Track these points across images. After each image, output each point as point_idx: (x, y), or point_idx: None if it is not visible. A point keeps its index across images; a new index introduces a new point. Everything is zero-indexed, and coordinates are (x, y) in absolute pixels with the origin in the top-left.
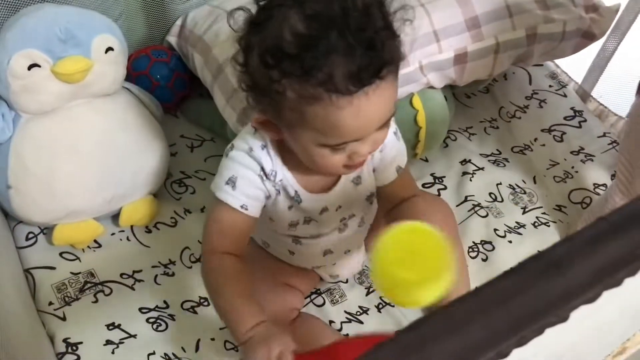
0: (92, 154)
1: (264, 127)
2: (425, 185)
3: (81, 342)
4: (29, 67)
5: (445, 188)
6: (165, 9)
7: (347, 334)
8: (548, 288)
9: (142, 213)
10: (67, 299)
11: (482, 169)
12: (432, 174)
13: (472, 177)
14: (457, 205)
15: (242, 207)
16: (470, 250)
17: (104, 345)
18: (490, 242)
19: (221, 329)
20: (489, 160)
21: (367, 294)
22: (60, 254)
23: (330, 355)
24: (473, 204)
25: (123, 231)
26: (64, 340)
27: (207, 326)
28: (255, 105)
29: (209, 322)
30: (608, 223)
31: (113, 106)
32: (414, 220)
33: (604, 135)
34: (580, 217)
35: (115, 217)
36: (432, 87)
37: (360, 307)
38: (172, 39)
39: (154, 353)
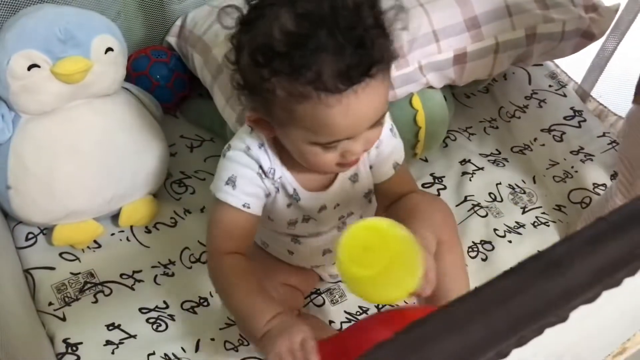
0: (91, 154)
1: (258, 125)
2: (425, 185)
3: (81, 343)
4: (29, 68)
5: (445, 188)
6: (163, 8)
7: None
8: (548, 288)
9: (142, 213)
10: (67, 299)
11: (482, 168)
12: (431, 174)
13: (472, 177)
14: (456, 205)
15: (244, 205)
16: (470, 250)
17: (104, 345)
18: (490, 242)
19: (221, 329)
20: (488, 160)
21: None
22: (60, 255)
23: (350, 340)
24: (473, 204)
25: (123, 231)
26: (64, 341)
27: (207, 326)
28: (247, 103)
29: (209, 322)
30: (608, 223)
31: (113, 106)
32: (376, 218)
33: (604, 135)
34: (579, 217)
35: (115, 217)
36: (431, 87)
37: (360, 307)
38: (171, 39)
39: (153, 353)
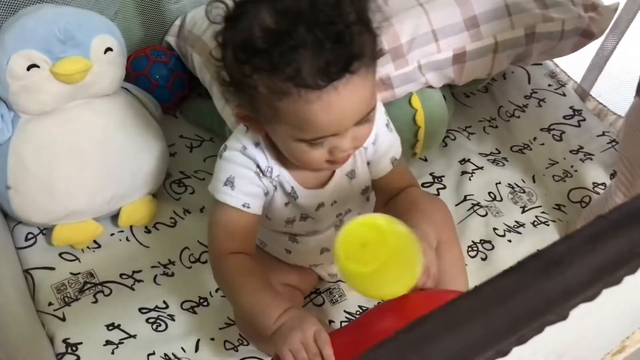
0: (91, 155)
1: (247, 122)
2: (425, 185)
3: (81, 343)
4: (28, 68)
5: (445, 187)
6: (160, 8)
7: None
8: (548, 286)
9: (142, 213)
10: (66, 299)
11: (482, 168)
12: (431, 174)
13: (472, 176)
14: (456, 205)
15: (243, 205)
16: (470, 249)
17: (104, 345)
18: (489, 242)
19: (221, 329)
20: (488, 160)
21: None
22: (60, 255)
23: (363, 330)
24: (472, 203)
25: (122, 231)
26: (64, 341)
27: (207, 326)
28: (233, 100)
29: (209, 322)
30: (608, 221)
31: (112, 106)
32: (373, 214)
33: (603, 134)
34: (579, 216)
35: (114, 217)
36: (431, 87)
37: (360, 306)
38: (171, 39)
39: (153, 353)
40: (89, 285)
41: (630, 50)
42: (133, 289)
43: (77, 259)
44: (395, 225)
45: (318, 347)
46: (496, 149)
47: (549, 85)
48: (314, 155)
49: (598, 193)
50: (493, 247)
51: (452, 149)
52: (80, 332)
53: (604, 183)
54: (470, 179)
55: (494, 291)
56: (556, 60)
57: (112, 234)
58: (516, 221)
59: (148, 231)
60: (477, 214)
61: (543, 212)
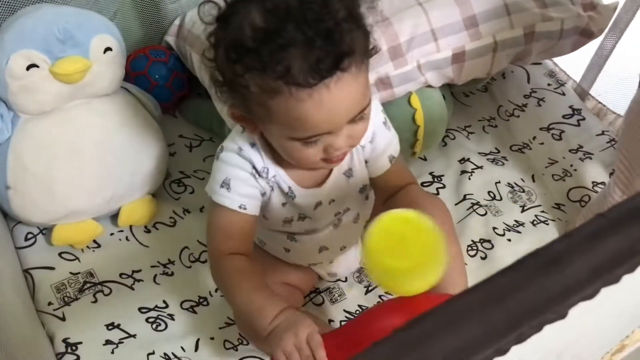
0: (91, 154)
1: (241, 122)
2: (424, 184)
3: (81, 342)
4: (28, 68)
5: (444, 187)
6: (158, 8)
7: None
8: (546, 285)
9: (141, 213)
10: (66, 299)
11: (481, 167)
12: (430, 173)
13: (471, 175)
14: (455, 204)
15: (240, 207)
16: (469, 248)
17: (104, 345)
18: (489, 241)
19: (220, 328)
20: (487, 159)
21: (367, 292)
22: (60, 254)
23: (356, 331)
24: (472, 203)
25: (122, 231)
26: (64, 341)
27: (207, 325)
28: (227, 100)
29: (209, 322)
30: (607, 219)
31: (112, 106)
32: (405, 209)
33: (603, 133)
34: (579, 215)
35: (114, 217)
36: (430, 86)
37: (359, 305)
38: (170, 38)
39: (153, 353)
40: (88, 285)
41: (630, 49)
42: (133, 289)
43: (77, 258)
44: (428, 222)
45: (311, 350)
46: (496, 149)
47: (549, 84)
48: (308, 153)
49: (597, 192)
50: (492, 247)
51: (451, 148)
52: (80, 331)
53: (604, 182)
54: (469, 178)
55: (493, 289)
56: (555, 59)
57: (111, 234)
58: (516, 220)
59: (148, 231)
60: (477, 213)
61: (542, 211)
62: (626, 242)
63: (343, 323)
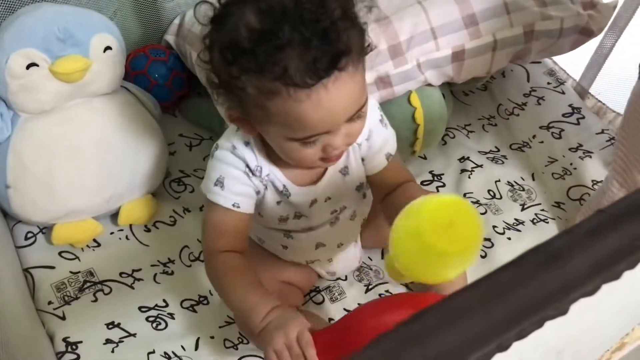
0: (90, 154)
1: (238, 124)
2: (424, 183)
3: (81, 342)
4: (28, 67)
5: (444, 185)
6: (157, 7)
7: None
8: (547, 280)
9: (141, 212)
10: (66, 298)
11: (481, 166)
12: (430, 172)
13: (471, 174)
14: None
15: (233, 205)
16: None
17: (104, 344)
18: (489, 239)
19: (221, 327)
20: (487, 158)
21: (367, 291)
22: (60, 254)
23: (346, 329)
24: (472, 201)
25: (122, 230)
26: (64, 340)
27: (207, 324)
28: (223, 102)
29: (209, 321)
30: (607, 215)
31: (111, 105)
32: (448, 194)
33: (602, 132)
34: (578, 213)
35: (114, 216)
36: (430, 85)
37: (359, 304)
38: (170, 37)
39: (153, 352)
40: (88, 284)
41: (629, 48)
42: (133, 288)
43: (77, 257)
44: (474, 208)
45: (301, 348)
46: (495, 147)
47: (548, 83)
48: (307, 153)
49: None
50: (492, 245)
51: (451, 147)
52: (80, 330)
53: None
54: (469, 177)
55: (493, 285)
56: (555, 58)
57: (111, 233)
58: (515, 219)
59: (148, 230)
60: None
61: (542, 210)
62: (626, 238)
63: None
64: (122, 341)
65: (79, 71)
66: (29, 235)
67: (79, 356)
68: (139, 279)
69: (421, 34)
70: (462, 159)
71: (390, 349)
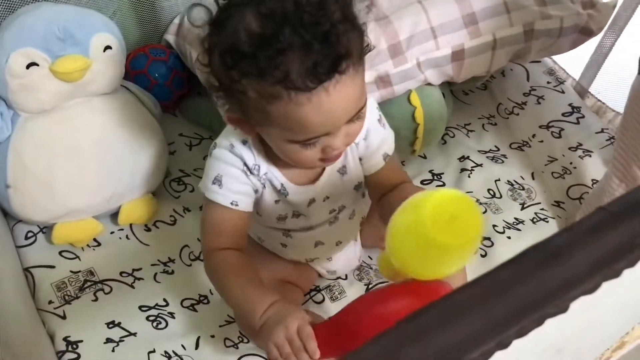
0: (91, 153)
1: (238, 126)
2: (424, 182)
3: (81, 341)
4: (28, 66)
5: (444, 184)
6: (157, 7)
7: None
8: (547, 278)
9: (141, 211)
10: (67, 297)
11: (481, 165)
12: (430, 171)
13: (471, 173)
14: None
15: (232, 203)
16: None
17: (104, 343)
18: (489, 238)
19: (221, 326)
20: (487, 157)
21: (367, 290)
22: (60, 253)
23: (347, 320)
24: None
25: (122, 230)
26: (64, 339)
27: (207, 323)
28: (223, 105)
29: (209, 320)
30: (607, 212)
31: (111, 105)
32: (449, 189)
33: (602, 131)
34: (578, 211)
35: (114, 215)
36: (429, 84)
37: None
38: (170, 37)
39: (154, 351)
40: (89, 284)
41: (629, 47)
42: (133, 287)
43: (77, 257)
44: (475, 202)
45: (302, 342)
46: (495, 146)
47: (548, 82)
48: (307, 155)
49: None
50: (492, 244)
51: (451, 146)
52: (81, 330)
53: None
54: (469, 176)
55: (494, 283)
56: (555, 57)
57: (112, 232)
58: (515, 218)
59: (148, 229)
60: None
61: (542, 209)
62: (627, 236)
63: None
64: (123, 340)
65: (79, 70)
66: (29, 234)
67: (79, 355)
68: (139, 279)
69: (421, 33)
70: (462, 158)
71: (391, 347)
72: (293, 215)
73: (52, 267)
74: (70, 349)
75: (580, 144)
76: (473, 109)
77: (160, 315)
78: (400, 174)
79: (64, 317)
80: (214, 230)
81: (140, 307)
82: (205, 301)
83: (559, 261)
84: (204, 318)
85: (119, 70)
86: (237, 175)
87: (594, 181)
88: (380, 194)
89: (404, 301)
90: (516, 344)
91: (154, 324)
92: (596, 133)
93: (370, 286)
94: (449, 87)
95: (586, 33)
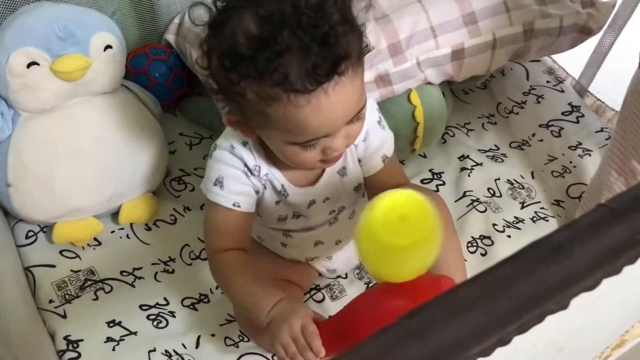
0: (91, 152)
1: (238, 128)
2: (424, 181)
3: (82, 340)
4: (28, 65)
5: (444, 184)
6: (156, 6)
7: None
8: (547, 274)
9: (142, 211)
10: (67, 296)
11: (481, 164)
12: (430, 170)
13: (471, 172)
14: (455, 201)
15: (234, 204)
16: (469, 245)
17: (105, 342)
18: (489, 237)
19: (221, 325)
20: (487, 156)
21: (367, 289)
22: (60, 252)
23: (351, 317)
24: (472, 200)
25: (123, 229)
26: (65, 338)
27: (208, 322)
28: (223, 107)
29: (209, 319)
30: (608, 209)
31: (112, 104)
32: (402, 189)
33: (602, 130)
34: (577, 207)
35: (115, 214)
36: (429, 83)
37: None
38: (170, 36)
39: (154, 350)
40: (89, 283)
41: (628, 46)
42: (133, 286)
43: (78, 256)
44: (431, 203)
45: (307, 340)
46: (495, 145)
47: (548, 81)
48: (307, 156)
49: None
50: (492, 243)
51: (451, 145)
52: (81, 329)
53: None
54: (469, 175)
55: (494, 279)
56: (554, 56)
57: (112, 232)
58: (515, 217)
59: (148, 228)
60: (477, 210)
61: (542, 208)
62: (627, 232)
63: None
64: (123, 339)
65: (80, 70)
66: (30, 234)
67: (80, 354)
68: (139, 278)
69: (421, 32)
70: (462, 157)
71: (392, 343)
72: (293, 216)
73: (53, 266)
74: (70, 348)
75: (580, 143)
76: (473, 108)
77: (160, 314)
78: (400, 176)
79: (64, 316)
80: (217, 231)
81: (140, 306)
82: (206, 300)
83: (560, 258)
84: (204, 317)
85: (119, 70)
86: (238, 176)
87: None
88: None
89: (407, 297)
90: (517, 340)
91: (155, 323)
92: (596, 132)
93: (370, 285)
94: (448, 86)
95: (586, 32)
